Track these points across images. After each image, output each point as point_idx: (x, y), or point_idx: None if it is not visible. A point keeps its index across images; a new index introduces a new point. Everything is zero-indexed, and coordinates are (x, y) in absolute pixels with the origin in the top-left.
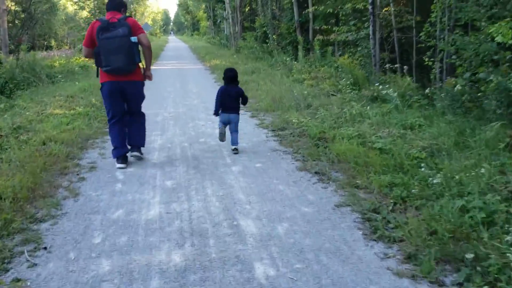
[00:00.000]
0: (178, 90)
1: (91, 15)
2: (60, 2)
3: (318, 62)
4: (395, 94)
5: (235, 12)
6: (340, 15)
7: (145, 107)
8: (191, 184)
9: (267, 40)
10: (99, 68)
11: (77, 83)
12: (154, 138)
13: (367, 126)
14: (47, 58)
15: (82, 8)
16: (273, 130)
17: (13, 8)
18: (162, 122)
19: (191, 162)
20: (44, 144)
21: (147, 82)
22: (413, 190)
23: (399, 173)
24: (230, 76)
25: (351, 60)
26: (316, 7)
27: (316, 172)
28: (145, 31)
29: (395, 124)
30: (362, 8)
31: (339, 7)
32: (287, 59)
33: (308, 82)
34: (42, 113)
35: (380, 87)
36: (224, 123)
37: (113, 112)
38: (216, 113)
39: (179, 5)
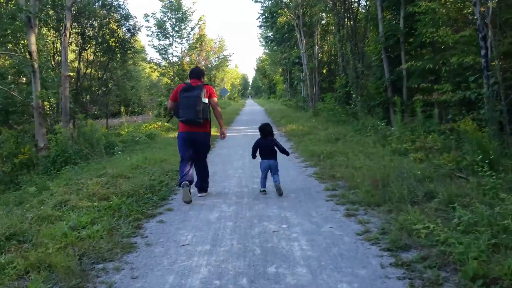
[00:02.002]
0: (247, 166)
1: (170, 81)
2: (145, 70)
3: (421, 127)
4: None
5: (313, 74)
6: (443, 71)
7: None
8: None
9: (350, 102)
10: (171, 117)
11: (134, 156)
12: (196, 261)
13: None
14: (116, 127)
15: (163, 75)
16: (389, 250)
17: (91, 72)
18: (216, 224)
19: None
20: (27, 273)
21: (213, 155)
22: None
23: None
24: (267, 132)
25: (474, 126)
26: (411, 63)
27: None
28: (223, 95)
29: None
30: (471, 62)
31: (440, 62)
32: (379, 123)
33: (414, 155)
34: (64, 205)
35: None
36: (266, 169)
37: (182, 156)
38: (254, 156)
39: (257, 70)
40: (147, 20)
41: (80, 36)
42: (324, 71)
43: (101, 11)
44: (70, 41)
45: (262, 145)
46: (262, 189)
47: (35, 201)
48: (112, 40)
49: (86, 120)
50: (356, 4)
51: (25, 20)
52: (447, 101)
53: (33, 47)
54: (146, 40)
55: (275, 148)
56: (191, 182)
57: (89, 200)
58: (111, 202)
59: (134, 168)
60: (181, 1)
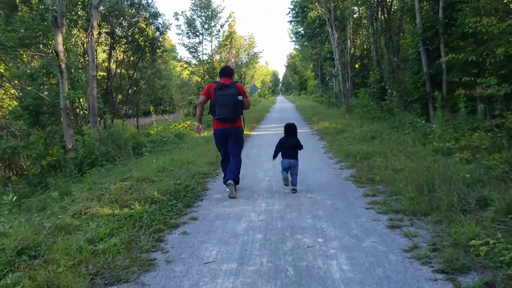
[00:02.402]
0: (278, 168)
1: (201, 79)
2: (176, 68)
3: (465, 124)
4: None
5: (345, 69)
6: (487, 64)
7: (228, 200)
8: None
9: (385, 97)
10: (203, 116)
11: (161, 158)
12: (221, 284)
13: None
14: (147, 126)
15: (194, 73)
16: (443, 272)
17: (121, 71)
18: (244, 236)
19: None
20: None
21: (242, 156)
22: None
23: None
24: (291, 131)
25: None
26: (452, 55)
27: None
28: (253, 92)
29: None
30: None
31: (484, 54)
32: (419, 120)
33: (460, 155)
34: (84, 213)
35: None
36: (286, 169)
37: (222, 156)
38: (275, 157)
39: (287, 66)
40: (177, 19)
41: (109, 36)
42: (357, 66)
43: (129, 10)
44: (100, 41)
45: (285, 145)
46: (291, 186)
47: (56, 207)
48: (141, 39)
49: (114, 120)
50: None
51: (52, 20)
52: (492, 96)
53: (60, 47)
54: (176, 38)
55: (297, 148)
56: (236, 181)
57: (111, 207)
58: (133, 210)
59: (160, 171)
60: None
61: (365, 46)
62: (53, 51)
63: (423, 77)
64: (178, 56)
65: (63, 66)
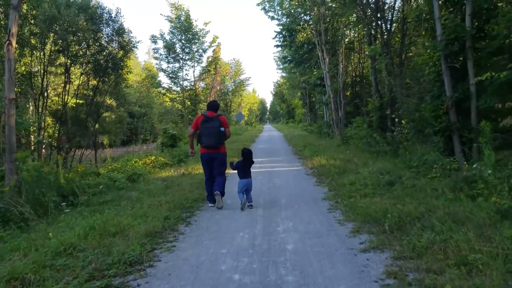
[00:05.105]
0: (259, 241)
1: (182, 107)
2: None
3: None
4: None
5: (338, 96)
6: None
7: None
8: None
9: (387, 127)
10: (196, 144)
11: (80, 222)
12: None
13: None
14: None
15: (173, 100)
16: None
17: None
18: None
19: None
20: None
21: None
22: None
23: None
24: (248, 157)
25: None
26: (493, 73)
27: None
28: (239, 120)
29: None
30: None
31: None
32: (451, 159)
33: None
34: None
35: None
36: (242, 190)
37: (206, 174)
38: (235, 169)
39: (275, 95)
40: (155, 42)
41: (62, 54)
42: (348, 93)
43: (86, 24)
44: (55, 62)
45: (243, 167)
46: (241, 201)
47: None
48: (102, 58)
49: (28, 160)
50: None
51: None
52: None
53: None
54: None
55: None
56: (222, 193)
57: None
58: None
59: (58, 254)
60: (192, 22)
61: (357, 73)
62: None
63: (446, 103)
64: (163, 84)
65: None
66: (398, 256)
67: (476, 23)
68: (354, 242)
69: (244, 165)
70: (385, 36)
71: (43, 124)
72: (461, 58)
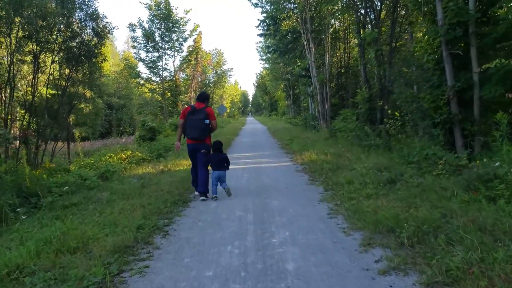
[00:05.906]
0: (252, 258)
1: (161, 98)
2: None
3: None
4: None
5: (324, 87)
6: None
7: None
8: None
9: (375, 119)
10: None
11: (37, 230)
12: None
13: None
14: (95, 151)
15: (152, 91)
16: None
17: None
18: None
19: None
20: None
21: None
22: None
23: None
24: (218, 148)
25: None
26: (503, 60)
27: None
28: (221, 113)
29: None
30: None
31: None
32: (460, 155)
33: None
34: None
35: None
36: (216, 179)
37: (192, 162)
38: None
39: (257, 86)
40: (133, 30)
41: (30, 40)
42: (333, 85)
43: (55, 7)
44: (23, 49)
45: (215, 159)
46: (214, 195)
47: None
48: (74, 45)
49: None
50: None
51: None
52: None
53: None
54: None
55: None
56: (205, 193)
57: None
58: None
59: (37, 257)
60: (172, 9)
61: (342, 63)
62: None
63: (447, 93)
64: (136, 71)
65: None
66: (429, 282)
67: (479, 7)
68: (368, 259)
69: (216, 157)
70: (374, 22)
71: (10, 116)
72: (462, 45)
